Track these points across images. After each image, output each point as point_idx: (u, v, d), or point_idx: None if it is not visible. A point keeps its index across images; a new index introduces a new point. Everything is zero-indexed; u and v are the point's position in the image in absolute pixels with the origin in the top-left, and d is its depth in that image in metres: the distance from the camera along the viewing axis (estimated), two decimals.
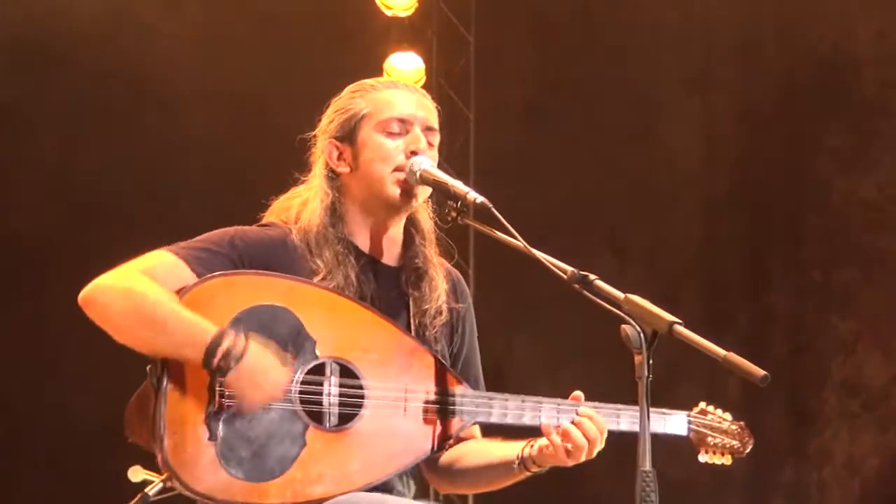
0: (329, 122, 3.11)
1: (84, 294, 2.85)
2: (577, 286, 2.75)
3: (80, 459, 7.23)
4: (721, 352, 2.54)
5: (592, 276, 2.75)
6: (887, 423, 7.44)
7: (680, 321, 2.58)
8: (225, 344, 2.75)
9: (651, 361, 2.57)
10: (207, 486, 2.78)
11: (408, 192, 3.02)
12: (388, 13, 7.80)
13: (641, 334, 2.57)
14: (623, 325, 2.60)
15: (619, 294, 2.67)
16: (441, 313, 3.09)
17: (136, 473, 3.43)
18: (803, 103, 7.89)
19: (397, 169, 3.01)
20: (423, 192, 3.06)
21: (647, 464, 2.52)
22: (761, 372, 2.50)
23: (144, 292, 2.80)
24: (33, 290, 7.61)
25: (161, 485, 2.80)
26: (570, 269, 2.78)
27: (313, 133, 3.13)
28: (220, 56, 7.70)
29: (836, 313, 7.68)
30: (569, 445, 2.92)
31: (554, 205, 8.08)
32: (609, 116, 8.21)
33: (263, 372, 2.80)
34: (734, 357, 2.52)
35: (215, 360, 2.75)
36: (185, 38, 7.68)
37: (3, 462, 7.42)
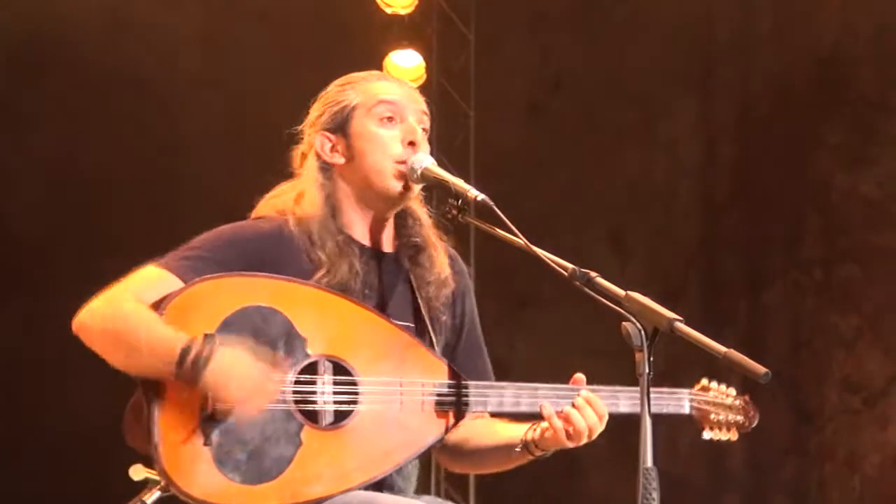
0: (318, 115, 3.09)
1: (76, 321, 2.85)
2: (578, 284, 2.75)
3: (81, 458, 7.23)
4: (722, 349, 2.54)
5: (593, 274, 2.75)
6: (888, 421, 7.43)
7: (681, 318, 2.59)
8: (192, 353, 2.72)
9: (652, 358, 2.57)
10: (204, 491, 2.76)
11: (407, 186, 3.02)
12: (388, 11, 7.80)
13: (642, 331, 2.58)
14: (624, 323, 2.60)
15: (621, 291, 2.67)
16: (446, 285, 3.09)
17: (138, 472, 3.43)
18: (803, 101, 7.89)
19: (398, 161, 3.01)
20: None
21: (648, 461, 2.53)
22: (762, 369, 2.50)
23: (125, 315, 2.79)
24: (33, 289, 7.61)
25: (159, 493, 2.79)
26: (570, 266, 2.79)
27: (300, 128, 3.12)
28: (220, 56, 7.70)
29: (837, 310, 7.67)
30: (570, 429, 2.92)
31: (554, 202, 8.08)
32: (609, 114, 8.21)
33: (231, 370, 2.74)
34: (735, 354, 2.53)
35: (184, 369, 2.71)
36: (185, 38, 7.68)
37: (4, 462, 7.42)
